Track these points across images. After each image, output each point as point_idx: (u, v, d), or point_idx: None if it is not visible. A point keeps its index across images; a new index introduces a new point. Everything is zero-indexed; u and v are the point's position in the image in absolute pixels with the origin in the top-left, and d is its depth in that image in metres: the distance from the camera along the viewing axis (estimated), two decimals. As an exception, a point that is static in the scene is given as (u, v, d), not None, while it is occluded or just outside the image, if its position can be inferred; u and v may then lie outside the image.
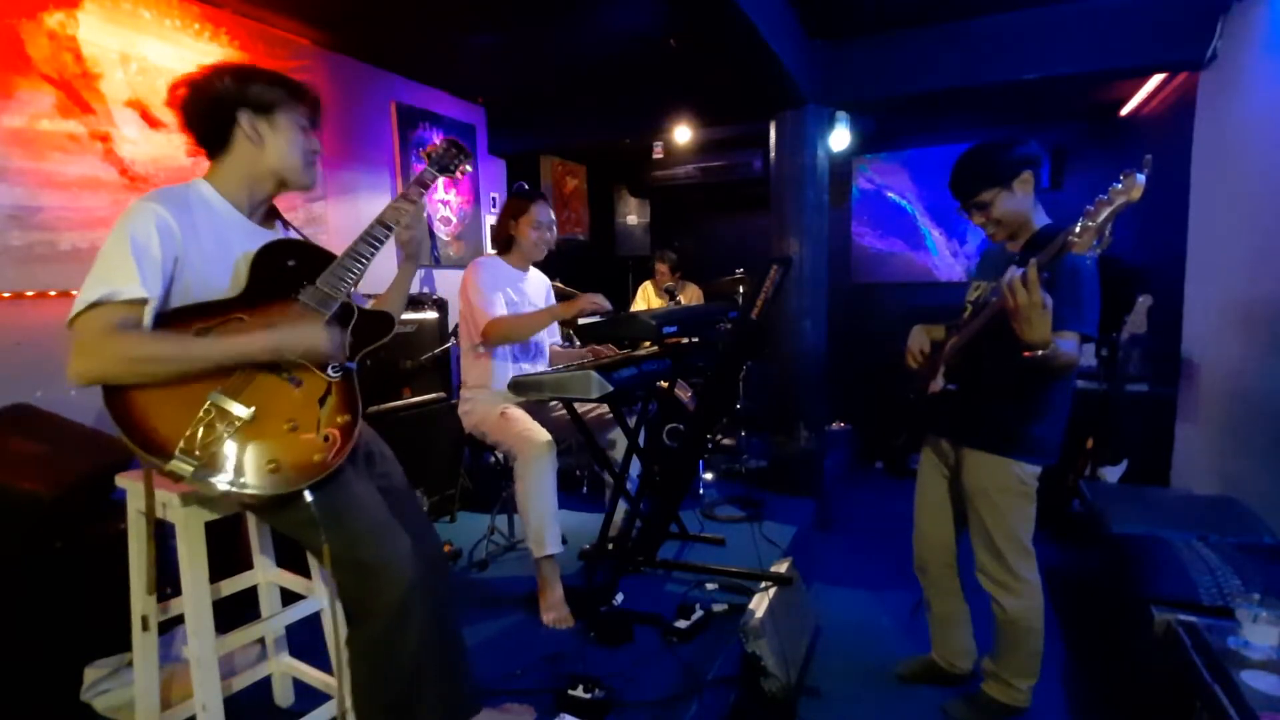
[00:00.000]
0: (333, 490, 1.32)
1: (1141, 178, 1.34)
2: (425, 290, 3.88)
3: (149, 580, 1.42)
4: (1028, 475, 1.79)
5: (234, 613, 1.62)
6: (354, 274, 1.43)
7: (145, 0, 2.58)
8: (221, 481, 1.20)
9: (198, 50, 2.75)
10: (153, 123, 2.61)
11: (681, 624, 2.14)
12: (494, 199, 4.49)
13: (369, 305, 1.58)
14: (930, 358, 1.87)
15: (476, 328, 2.37)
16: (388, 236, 1.51)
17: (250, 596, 1.72)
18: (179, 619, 1.44)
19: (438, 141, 1.91)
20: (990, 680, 1.96)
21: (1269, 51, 2.49)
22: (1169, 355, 3.26)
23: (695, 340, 2.50)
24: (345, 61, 3.45)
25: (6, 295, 2.22)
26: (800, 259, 3.48)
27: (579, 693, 1.77)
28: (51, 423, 2.04)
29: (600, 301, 2.40)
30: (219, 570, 1.48)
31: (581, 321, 2.22)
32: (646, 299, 4.57)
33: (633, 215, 5.85)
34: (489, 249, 4.37)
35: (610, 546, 2.48)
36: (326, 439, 1.29)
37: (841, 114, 3.84)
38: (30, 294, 2.26)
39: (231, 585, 1.64)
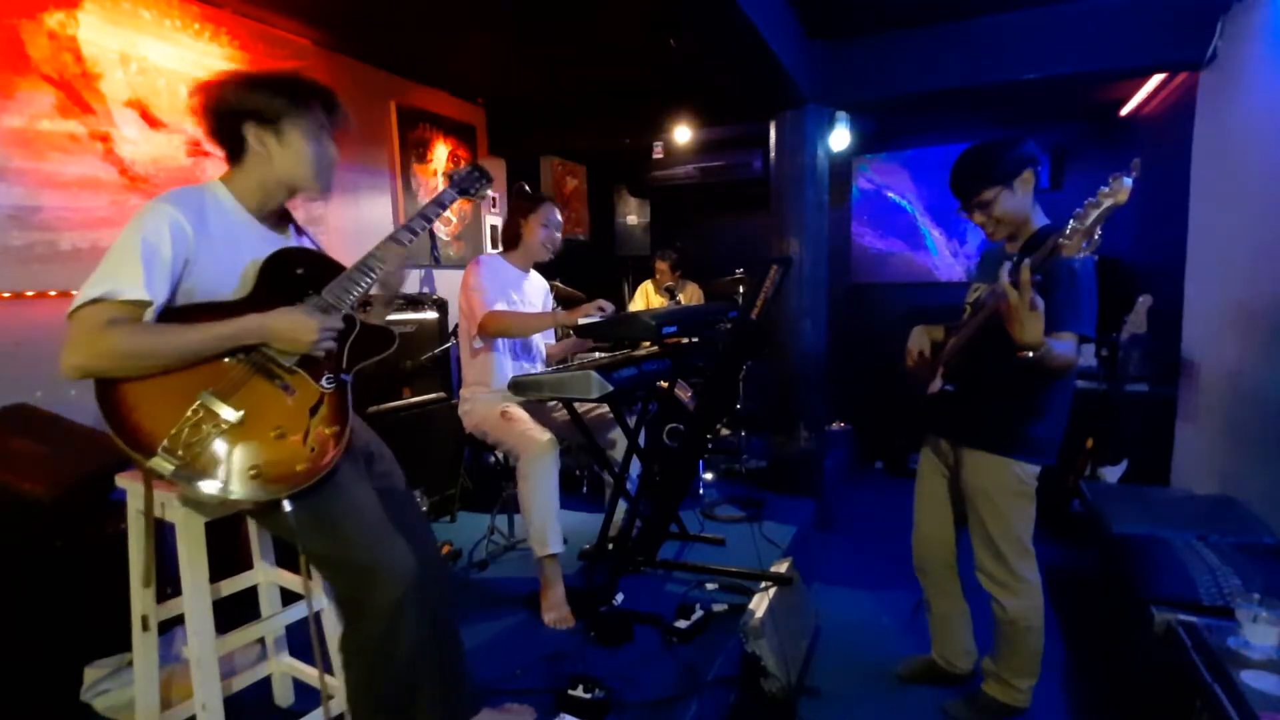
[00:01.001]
0: (325, 494, 1.32)
1: (1129, 181, 1.34)
2: (425, 290, 3.88)
3: (147, 573, 1.41)
4: (1027, 475, 1.80)
5: (234, 613, 1.62)
6: (361, 287, 1.43)
7: (145, 0, 2.58)
8: (201, 483, 1.20)
9: (198, 50, 2.75)
10: (153, 123, 2.61)
11: (681, 624, 2.14)
12: (494, 199, 4.49)
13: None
14: (929, 358, 1.88)
15: (474, 320, 2.38)
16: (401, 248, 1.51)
17: (250, 596, 1.72)
18: (179, 619, 1.44)
19: (462, 164, 1.91)
20: (990, 680, 1.97)
21: (1269, 51, 2.49)
22: (1169, 355, 3.26)
23: (695, 340, 2.50)
24: (345, 61, 3.45)
25: (6, 295, 2.22)
26: (800, 259, 3.48)
27: (579, 693, 1.77)
28: (52, 423, 2.04)
29: (606, 308, 2.41)
30: (219, 570, 1.49)
31: (582, 321, 2.23)
32: (646, 299, 4.57)
33: (633, 215, 5.85)
34: (489, 249, 4.38)
35: (610, 546, 2.48)
36: (312, 449, 1.29)
37: (841, 114, 3.84)
38: (30, 294, 2.26)
39: (231, 585, 1.64)
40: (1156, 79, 3.55)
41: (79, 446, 1.97)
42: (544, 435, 2.24)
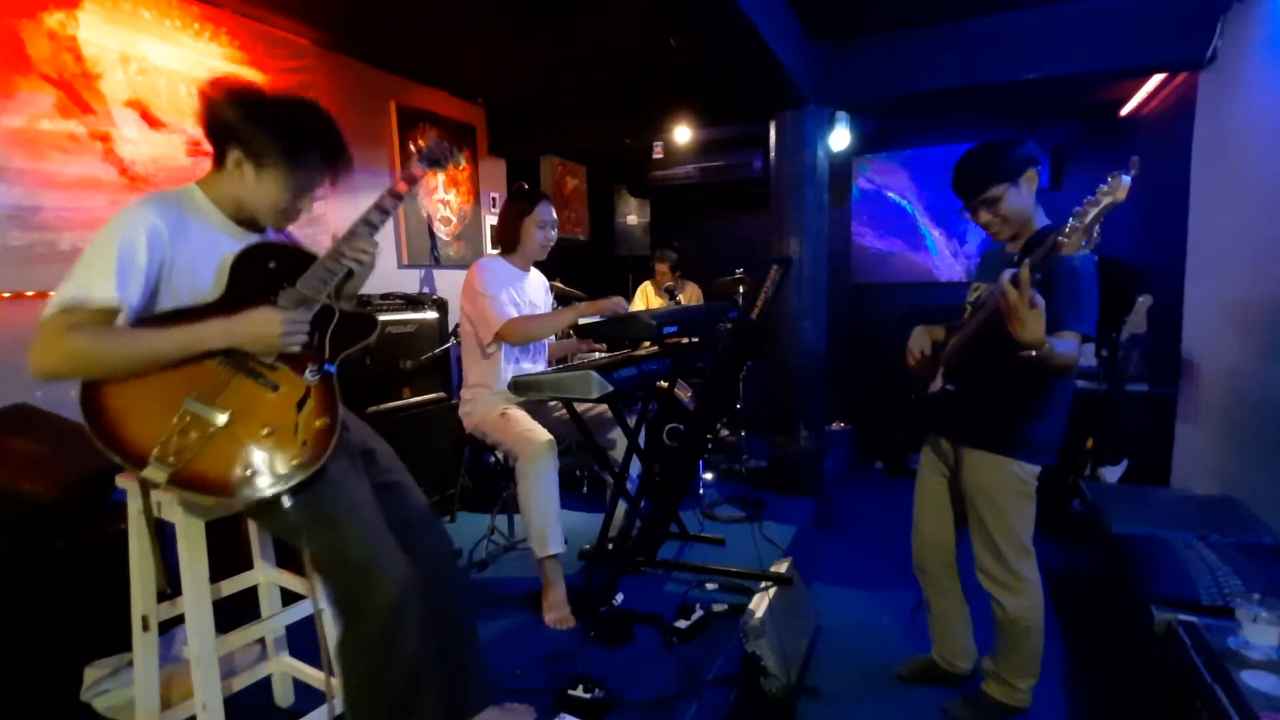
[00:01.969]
0: (321, 491, 1.31)
1: (1127, 179, 1.34)
2: (425, 290, 3.88)
3: (156, 574, 1.41)
4: (1027, 475, 1.80)
5: (234, 613, 1.62)
6: (336, 275, 1.40)
7: (145, 0, 2.58)
8: (196, 488, 1.19)
9: (198, 50, 2.75)
10: (153, 123, 2.61)
11: (681, 624, 2.14)
12: (494, 199, 4.49)
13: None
14: (930, 358, 1.88)
15: (488, 328, 2.36)
16: (374, 232, 1.46)
17: (250, 596, 1.71)
18: (179, 619, 1.44)
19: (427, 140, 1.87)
20: (990, 680, 1.97)
21: (1269, 51, 2.49)
22: (1169, 355, 3.26)
23: (695, 340, 2.50)
24: (345, 61, 3.45)
25: (6, 295, 2.22)
26: (800, 259, 3.48)
27: (579, 693, 1.77)
28: (51, 423, 2.03)
29: (621, 305, 2.42)
30: (219, 570, 1.48)
31: (582, 321, 2.23)
32: (646, 299, 4.57)
33: (633, 215, 5.85)
34: (489, 249, 4.38)
35: (610, 546, 2.48)
36: (304, 443, 1.28)
37: (841, 114, 3.84)
38: (30, 294, 2.26)
39: (231, 585, 1.64)
40: (1156, 79, 3.55)
41: (79, 446, 1.95)
42: (543, 436, 2.24)
